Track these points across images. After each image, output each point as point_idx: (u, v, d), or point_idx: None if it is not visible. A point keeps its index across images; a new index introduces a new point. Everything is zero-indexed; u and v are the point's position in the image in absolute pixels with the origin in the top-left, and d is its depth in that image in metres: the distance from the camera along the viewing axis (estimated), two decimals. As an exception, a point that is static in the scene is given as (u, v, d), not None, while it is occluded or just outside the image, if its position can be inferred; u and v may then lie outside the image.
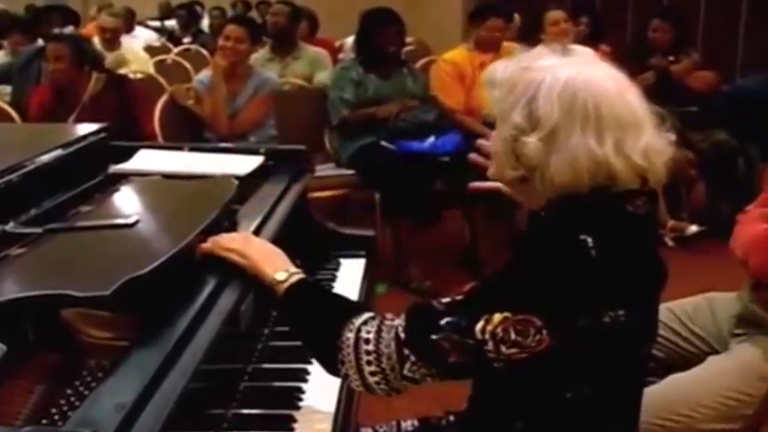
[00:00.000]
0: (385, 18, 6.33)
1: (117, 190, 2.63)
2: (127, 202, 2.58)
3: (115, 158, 2.99)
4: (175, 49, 10.80)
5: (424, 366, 1.90)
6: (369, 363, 1.93)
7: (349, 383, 2.01)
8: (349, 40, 8.79)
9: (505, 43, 6.63)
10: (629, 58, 6.41)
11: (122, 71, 7.10)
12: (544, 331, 1.82)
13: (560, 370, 1.92)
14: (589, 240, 1.84)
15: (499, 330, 1.83)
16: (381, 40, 6.21)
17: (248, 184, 2.79)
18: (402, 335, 1.92)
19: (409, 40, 7.76)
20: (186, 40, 12.54)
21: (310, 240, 2.94)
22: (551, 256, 1.88)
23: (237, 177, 2.69)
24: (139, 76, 7.45)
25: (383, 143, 5.89)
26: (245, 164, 2.96)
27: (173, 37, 12.86)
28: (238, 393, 2.18)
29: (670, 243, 6.34)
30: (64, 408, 1.68)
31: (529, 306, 1.83)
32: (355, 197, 6.14)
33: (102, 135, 3.03)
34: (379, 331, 1.94)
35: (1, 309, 1.74)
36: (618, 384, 2.06)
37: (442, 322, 1.87)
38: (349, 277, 2.96)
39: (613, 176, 1.89)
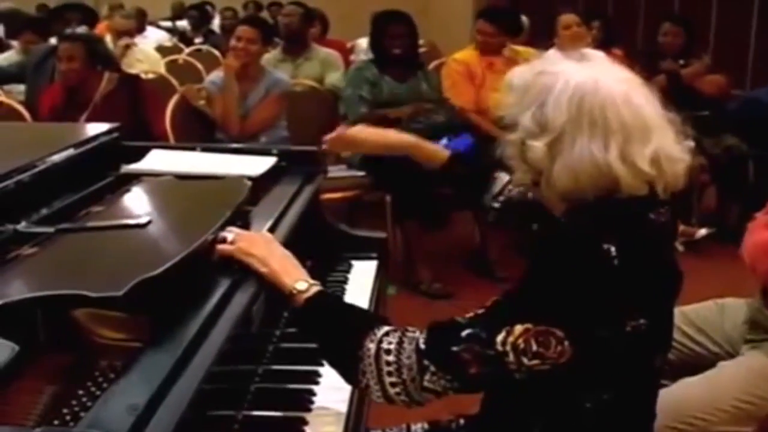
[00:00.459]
0: (392, 19, 6.34)
1: (129, 190, 2.62)
2: (138, 203, 2.57)
3: (126, 158, 2.99)
4: (187, 50, 10.80)
5: (444, 377, 1.90)
6: (390, 374, 1.92)
7: (369, 394, 2.00)
8: (361, 41, 8.81)
9: (513, 47, 6.71)
10: (640, 62, 6.40)
11: (134, 71, 7.09)
12: (566, 342, 1.82)
13: (580, 379, 1.92)
14: (612, 249, 1.84)
15: (520, 341, 1.82)
16: (389, 41, 6.22)
17: (261, 185, 2.78)
18: (423, 346, 1.91)
19: (420, 42, 7.74)
20: (197, 40, 12.55)
21: (322, 241, 2.94)
22: (573, 266, 1.87)
23: (250, 178, 2.69)
24: (150, 76, 7.45)
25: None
26: (258, 165, 2.95)
27: (185, 38, 12.86)
28: (249, 395, 2.17)
29: (680, 248, 6.32)
30: (76, 409, 1.67)
31: (550, 318, 1.83)
32: (366, 199, 6.14)
33: (114, 135, 3.03)
34: (400, 343, 1.93)
35: (12, 309, 1.73)
36: (635, 391, 2.06)
37: (463, 333, 1.87)
38: (361, 279, 2.95)
39: (617, 183, 1.89)
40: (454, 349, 1.87)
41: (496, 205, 2.63)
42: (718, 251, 6.16)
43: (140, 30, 10.52)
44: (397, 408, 1.99)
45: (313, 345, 2.19)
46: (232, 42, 6.08)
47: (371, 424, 2.42)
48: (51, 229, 2.19)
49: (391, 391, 1.94)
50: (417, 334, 1.94)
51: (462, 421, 2.31)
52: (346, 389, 2.22)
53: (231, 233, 2.19)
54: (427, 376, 1.90)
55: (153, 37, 11.34)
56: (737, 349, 3.08)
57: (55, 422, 1.64)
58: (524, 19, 8.13)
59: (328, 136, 2.72)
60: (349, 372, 2.01)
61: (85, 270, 2.01)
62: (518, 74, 2.04)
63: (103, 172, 2.80)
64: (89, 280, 1.85)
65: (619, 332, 1.87)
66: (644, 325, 1.88)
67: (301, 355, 2.34)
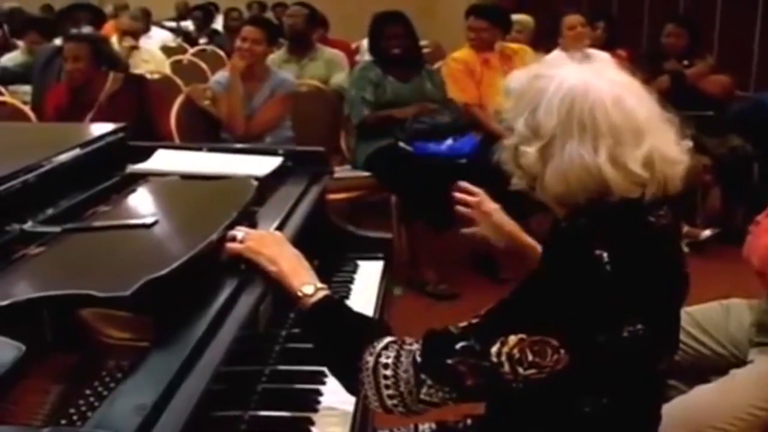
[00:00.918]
0: (389, 19, 6.33)
1: (135, 190, 2.62)
2: (145, 203, 2.57)
3: (132, 158, 2.99)
4: (191, 50, 10.80)
5: (441, 390, 1.90)
6: (387, 387, 1.93)
7: (367, 403, 2.01)
8: (365, 42, 8.80)
9: (506, 44, 6.77)
10: (644, 63, 6.40)
11: (139, 71, 7.10)
12: (562, 351, 1.82)
13: (578, 385, 1.92)
14: (605, 255, 1.83)
15: (515, 351, 1.82)
16: (387, 42, 6.22)
17: (267, 185, 2.78)
18: (419, 359, 1.91)
19: (423, 43, 7.75)
20: (202, 40, 12.54)
21: (328, 242, 2.94)
22: (565, 274, 1.87)
23: (256, 178, 2.69)
24: (155, 76, 7.45)
25: (401, 144, 5.88)
26: (264, 165, 2.95)
27: (189, 38, 12.86)
28: (255, 395, 2.17)
29: (685, 249, 6.30)
30: (83, 408, 1.67)
31: (544, 327, 1.83)
32: (371, 199, 6.13)
33: (120, 135, 3.04)
34: (398, 357, 1.93)
35: (19, 308, 1.73)
36: (637, 396, 2.05)
37: (458, 346, 1.87)
38: (367, 279, 2.95)
39: (607, 185, 1.88)
40: (449, 361, 1.87)
41: None
42: (722, 252, 6.14)
43: (145, 30, 10.52)
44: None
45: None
46: (238, 42, 6.08)
47: (378, 424, 2.42)
48: (57, 229, 2.19)
49: (389, 402, 1.94)
50: (414, 346, 1.94)
51: (469, 421, 2.31)
52: (353, 390, 2.21)
53: (241, 232, 2.19)
54: (424, 389, 1.90)
55: (157, 37, 11.32)
56: (742, 350, 3.08)
57: (63, 422, 1.64)
58: (529, 19, 8.14)
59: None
60: (348, 381, 2.03)
61: (92, 270, 2.01)
62: (515, 79, 2.04)
63: (109, 172, 2.80)
64: (96, 279, 1.85)
65: (616, 338, 1.86)
66: (642, 330, 1.87)
67: (307, 356, 2.33)
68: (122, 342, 1.90)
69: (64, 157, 2.60)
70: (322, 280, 2.17)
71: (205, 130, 5.98)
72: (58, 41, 7.12)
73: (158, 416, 1.51)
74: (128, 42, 8.21)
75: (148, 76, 6.97)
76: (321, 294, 2.10)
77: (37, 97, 6.69)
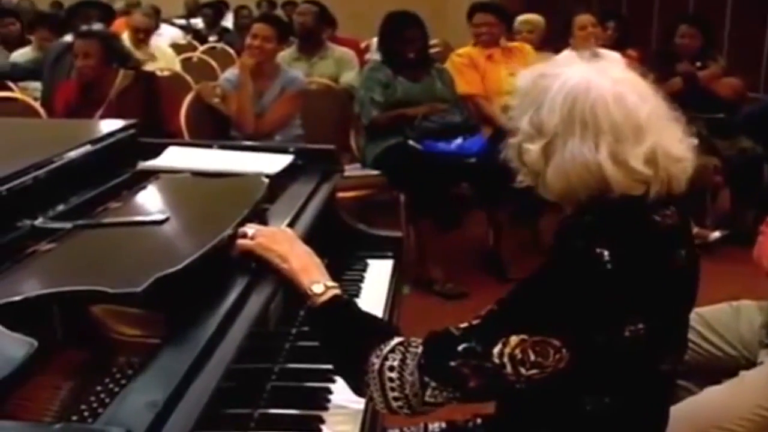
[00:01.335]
0: (406, 22, 6.30)
1: (146, 187, 2.62)
2: (156, 199, 2.57)
3: (143, 155, 2.98)
4: (201, 47, 10.80)
5: (445, 390, 1.90)
6: (392, 389, 1.93)
7: (373, 405, 2.02)
8: (376, 40, 8.79)
9: (510, 43, 6.94)
10: (656, 64, 6.39)
11: (149, 67, 7.10)
12: (564, 350, 1.83)
13: (580, 384, 1.92)
14: (605, 253, 1.84)
15: (517, 352, 1.83)
16: (402, 45, 6.19)
17: (278, 182, 2.78)
18: (422, 362, 1.91)
19: (434, 41, 7.75)
20: (212, 38, 12.55)
21: (338, 240, 2.93)
22: (565, 273, 1.88)
23: (267, 175, 2.69)
24: (165, 73, 7.45)
25: (410, 143, 5.87)
26: (275, 163, 2.95)
27: (199, 35, 12.87)
28: (265, 393, 2.17)
29: (695, 250, 6.29)
30: (94, 405, 1.67)
31: (545, 327, 1.83)
32: (380, 198, 6.13)
33: (131, 131, 3.03)
34: (403, 359, 1.94)
35: (30, 304, 1.73)
36: (640, 396, 2.05)
37: (460, 348, 1.87)
38: (376, 278, 2.94)
39: (607, 183, 1.89)
40: (452, 364, 1.87)
41: None
42: (732, 254, 6.12)
43: (154, 27, 10.52)
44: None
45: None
46: (248, 40, 6.07)
47: (388, 423, 2.41)
48: (68, 225, 2.19)
49: (394, 404, 1.95)
50: (419, 348, 1.94)
51: (479, 421, 2.31)
52: (362, 388, 2.21)
53: (252, 228, 2.19)
54: (428, 392, 1.91)
55: (167, 34, 11.32)
56: (753, 351, 3.07)
57: (74, 418, 1.65)
58: (540, 19, 8.14)
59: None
60: (354, 381, 2.03)
61: (103, 266, 2.01)
62: (522, 77, 2.04)
63: (120, 168, 2.80)
64: (107, 276, 1.85)
65: (617, 337, 1.86)
66: (643, 329, 1.87)
67: (317, 354, 2.33)
68: (133, 339, 1.90)
69: (74, 154, 2.60)
70: (332, 278, 2.17)
71: (214, 128, 5.98)
72: (68, 38, 7.10)
73: (169, 413, 1.51)
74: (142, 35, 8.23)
75: (158, 73, 6.97)
76: (330, 293, 2.10)
77: (47, 93, 6.69)
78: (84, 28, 6.11)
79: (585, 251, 1.86)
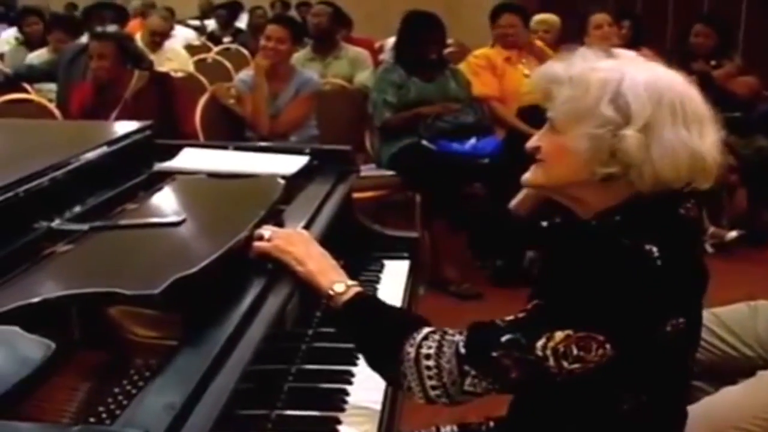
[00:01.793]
0: (428, 23, 6.30)
1: (162, 188, 2.62)
2: (172, 201, 2.57)
3: (159, 156, 2.99)
4: (215, 48, 10.81)
5: (485, 380, 1.89)
6: (430, 378, 1.92)
7: (411, 396, 2.00)
8: (391, 40, 8.79)
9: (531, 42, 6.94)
10: (671, 63, 6.37)
11: (165, 69, 7.11)
12: (608, 345, 1.82)
13: (621, 380, 1.92)
14: (654, 249, 1.84)
15: (560, 346, 1.82)
16: (423, 47, 6.18)
17: (294, 183, 2.77)
18: (462, 351, 1.90)
19: (448, 41, 7.75)
20: (226, 39, 12.56)
21: (354, 241, 2.93)
22: (616, 270, 1.86)
23: (283, 177, 2.69)
24: (179, 74, 7.46)
25: (424, 143, 5.87)
26: (291, 164, 2.94)
27: (213, 37, 12.88)
28: (282, 394, 2.16)
29: (710, 250, 6.27)
30: (112, 407, 1.67)
31: (592, 323, 1.83)
32: (395, 198, 6.12)
33: (147, 133, 3.04)
34: (440, 347, 1.92)
35: (48, 306, 1.73)
36: (670, 391, 2.05)
37: (503, 339, 1.86)
38: (393, 279, 2.94)
39: (706, 170, 1.91)
40: (494, 354, 1.86)
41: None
42: (748, 254, 6.12)
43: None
44: (426, 410, 1.99)
45: (348, 345, 2.20)
46: (262, 41, 6.08)
47: (401, 426, 2.41)
48: (85, 227, 2.20)
49: (432, 393, 1.93)
50: (456, 337, 1.93)
51: (491, 424, 2.30)
52: (379, 389, 2.21)
53: (268, 231, 2.19)
54: (468, 380, 1.90)
55: (181, 36, 11.34)
56: (773, 352, 3.07)
57: (91, 419, 1.64)
58: (556, 18, 8.14)
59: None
60: (390, 375, 2.02)
61: (121, 268, 2.02)
62: (565, 67, 1.99)
63: (136, 169, 2.81)
64: (125, 278, 1.85)
65: (660, 332, 1.87)
66: (683, 323, 1.89)
67: (334, 355, 2.34)
68: (150, 340, 1.90)
69: (91, 155, 2.61)
70: (349, 278, 2.17)
71: (229, 129, 6.00)
72: (83, 39, 7.13)
73: (187, 415, 1.51)
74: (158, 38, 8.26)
75: (173, 74, 6.99)
76: (353, 291, 2.09)
77: (63, 95, 6.71)
78: (99, 29, 6.13)
79: (634, 248, 1.86)
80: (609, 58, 2.00)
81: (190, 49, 10.01)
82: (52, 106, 6.16)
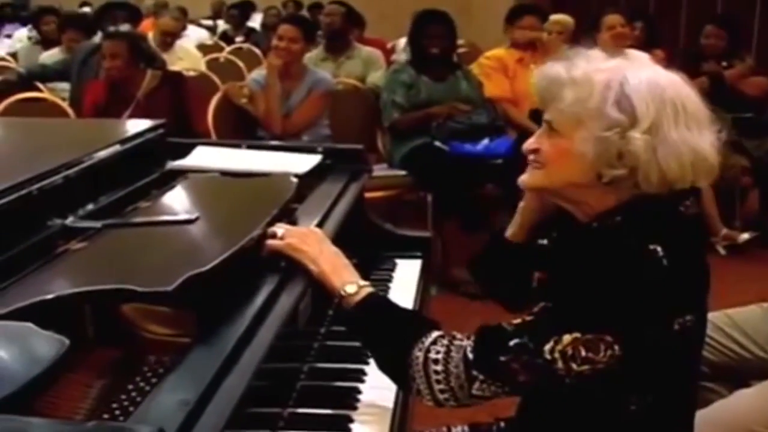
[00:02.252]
0: (432, 18, 6.33)
1: (175, 186, 2.63)
2: (185, 199, 2.58)
3: (172, 155, 2.99)
4: (228, 48, 10.82)
5: (493, 384, 1.90)
6: (438, 382, 1.93)
7: (420, 398, 2.00)
8: (401, 41, 8.80)
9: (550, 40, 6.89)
10: (683, 64, 6.37)
11: (176, 68, 7.12)
12: (616, 346, 1.82)
13: (628, 381, 1.92)
14: (659, 249, 1.84)
15: (569, 349, 1.82)
16: (427, 41, 6.21)
17: (306, 182, 2.78)
18: (470, 356, 1.91)
19: (460, 42, 7.74)
20: (238, 39, 12.58)
21: (367, 240, 2.93)
22: (622, 271, 1.86)
23: (296, 175, 2.69)
24: (192, 73, 7.47)
25: (437, 143, 5.88)
26: (303, 163, 2.95)
27: (225, 36, 12.90)
28: (294, 392, 2.17)
29: (723, 251, 6.26)
30: (125, 403, 1.68)
31: (600, 326, 1.83)
32: (407, 198, 6.12)
33: (160, 131, 3.04)
34: (448, 352, 1.93)
35: (62, 303, 1.74)
36: (677, 391, 2.05)
37: (511, 343, 1.86)
38: (405, 278, 2.94)
39: (708, 169, 1.91)
40: (502, 358, 1.87)
41: None
42: (761, 255, 6.11)
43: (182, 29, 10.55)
44: (440, 409, 1.99)
45: (360, 344, 2.20)
46: (274, 41, 6.08)
47: (413, 425, 2.41)
48: (98, 225, 2.20)
49: (440, 396, 1.95)
50: (464, 342, 1.94)
51: (502, 424, 2.30)
52: (391, 388, 2.20)
53: (281, 228, 2.19)
54: (476, 385, 1.91)
55: (194, 35, 11.36)
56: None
57: (105, 416, 1.65)
58: (569, 19, 8.12)
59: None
60: (399, 377, 2.03)
61: (134, 265, 2.02)
62: (568, 68, 1.97)
63: (149, 168, 2.81)
64: (138, 275, 1.86)
65: (668, 331, 1.87)
66: (690, 321, 1.90)
67: (346, 353, 2.34)
68: (164, 337, 1.91)
69: (104, 153, 2.61)
70: (361, 278, 2.17)
71: (242, 128, 6.00)
72: (96, 39, 7.14)
73: (201, 412, 1.51)
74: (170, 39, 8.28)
75: (185, 73, 6.99)
76: (365, 292, 2.09)
77: (76, 94, 6.72)
78: (111, 29, 6.15)
79: (639, 249, 1.86)
80: (608, 58, 1.99)
81: (203, 48, 10.02)
82: (65, 105, 6.17)
